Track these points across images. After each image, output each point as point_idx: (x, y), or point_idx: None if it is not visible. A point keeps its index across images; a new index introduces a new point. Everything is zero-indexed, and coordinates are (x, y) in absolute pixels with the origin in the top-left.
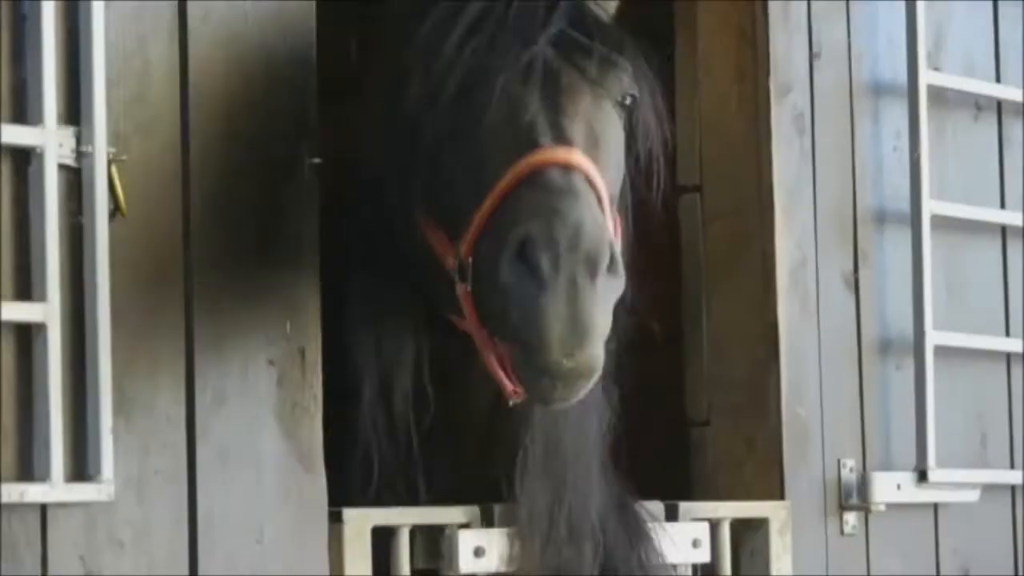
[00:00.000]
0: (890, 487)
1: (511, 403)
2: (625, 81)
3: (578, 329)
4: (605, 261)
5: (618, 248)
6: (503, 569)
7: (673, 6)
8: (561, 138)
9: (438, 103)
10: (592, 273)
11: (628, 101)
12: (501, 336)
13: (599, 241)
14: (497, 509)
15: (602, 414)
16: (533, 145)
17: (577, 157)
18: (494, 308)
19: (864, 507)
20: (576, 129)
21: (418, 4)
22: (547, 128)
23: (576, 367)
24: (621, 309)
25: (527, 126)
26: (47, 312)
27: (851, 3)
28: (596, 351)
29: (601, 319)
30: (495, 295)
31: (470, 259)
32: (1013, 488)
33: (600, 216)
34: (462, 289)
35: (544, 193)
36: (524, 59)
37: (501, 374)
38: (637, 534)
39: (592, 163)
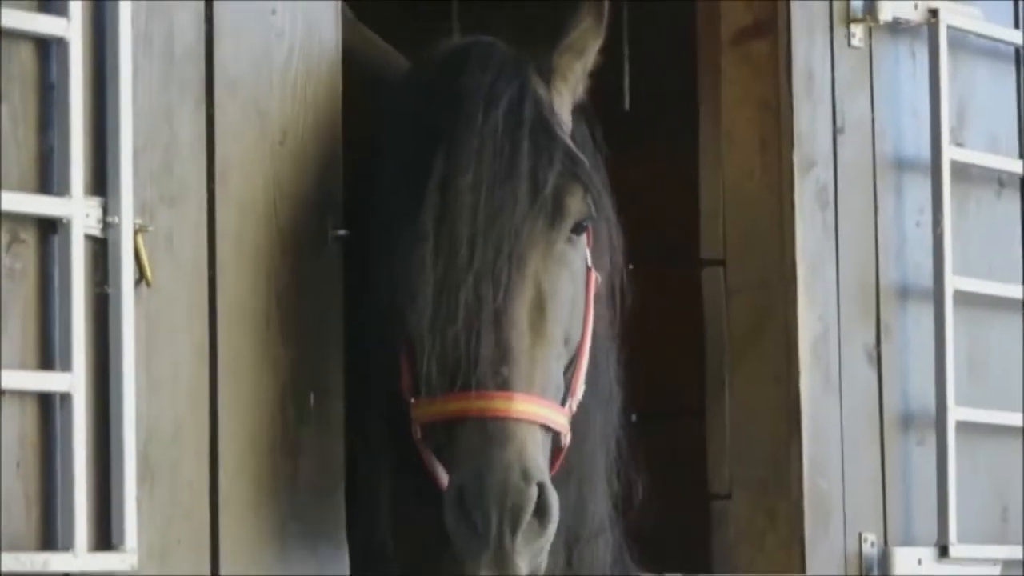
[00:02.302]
0: (911, 562)
1: None
2: (585, 206)
3: (504, 570)
4: (528, 512)
5: (550, 493)
6: None
7: (696, 78)
8: (502, 370)
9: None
10: (515, 526)
11: (586, 223)
12: None
13: (522, 496)
14: None
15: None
16: (475, 381)
17: (515, 406)
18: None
19: None
20: (520, 331)
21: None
22: (488, 356)
23: None
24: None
25: (470, 347)
26: (72, 382)
27: (875, 77)
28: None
29: (527, 559)
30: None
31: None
32: None
33: (532, 459)
34: (416, 436)
35: (478, 442)
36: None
37: None
38: None
39: (532, 391)
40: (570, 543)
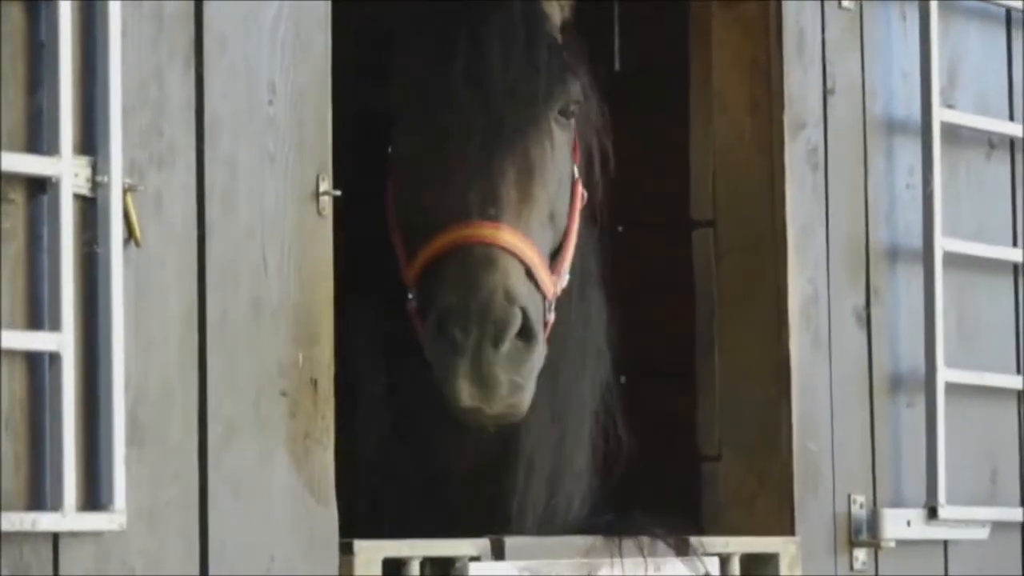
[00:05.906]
0: (900, 523)
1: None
2: (572, 90)
3: (484, 387)
4: (513, 330)
5: (537, 316)
6: None
7: (687, 39)
8: (489, 209)
9: (402, 124)
10: (497, 341)
11: (574, 108)
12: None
13: (506, 313)
14: (507, 542)
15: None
16: (464, 215)
17: (502, 235)
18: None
19: (874, 543)
20: (509, 182)
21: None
22: (478, 196)
23: (491, 416)
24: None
25: (461, 190)
26: (61, 342)
27: (865, 39)
28: (506, 403)
29: (509, 377)
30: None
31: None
32: (1023, 525)
33: (517, 285)
34: (411, 307)
35: (464, 267)
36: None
37: None
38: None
39: (519, 230)
40: (552, 480)
